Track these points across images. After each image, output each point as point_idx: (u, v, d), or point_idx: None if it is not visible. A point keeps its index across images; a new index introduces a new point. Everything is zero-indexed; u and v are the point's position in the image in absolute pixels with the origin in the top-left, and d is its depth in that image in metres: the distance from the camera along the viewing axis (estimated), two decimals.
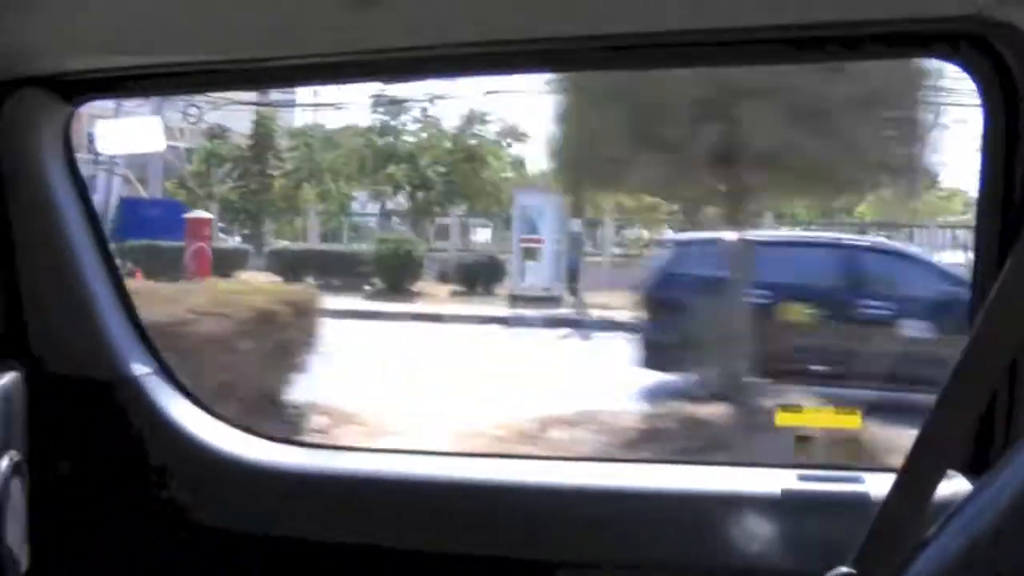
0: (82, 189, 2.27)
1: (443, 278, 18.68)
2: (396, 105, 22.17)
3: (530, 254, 17.74)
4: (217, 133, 23.82)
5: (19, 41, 1.92)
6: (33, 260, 2.19)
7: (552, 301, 16.89)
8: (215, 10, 1.79)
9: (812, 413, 2.09)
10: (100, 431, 2.28)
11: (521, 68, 2.50)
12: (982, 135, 1.93)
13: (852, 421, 2.15)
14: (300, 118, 25.26)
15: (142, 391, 2.29)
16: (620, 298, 17.96)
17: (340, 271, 18.49)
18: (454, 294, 17.78)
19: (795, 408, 2.06)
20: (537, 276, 17.59)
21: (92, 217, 2.29)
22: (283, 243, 21.29)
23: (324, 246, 20.92)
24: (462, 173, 21.43)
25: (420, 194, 21.96)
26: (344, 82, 3.39)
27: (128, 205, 21.51)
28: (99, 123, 2.50)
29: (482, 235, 23.35)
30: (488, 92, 19.75)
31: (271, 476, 2.28)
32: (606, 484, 2.21)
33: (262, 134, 22.98)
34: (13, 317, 2.17)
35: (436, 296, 17.60)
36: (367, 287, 18.02)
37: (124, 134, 2.70)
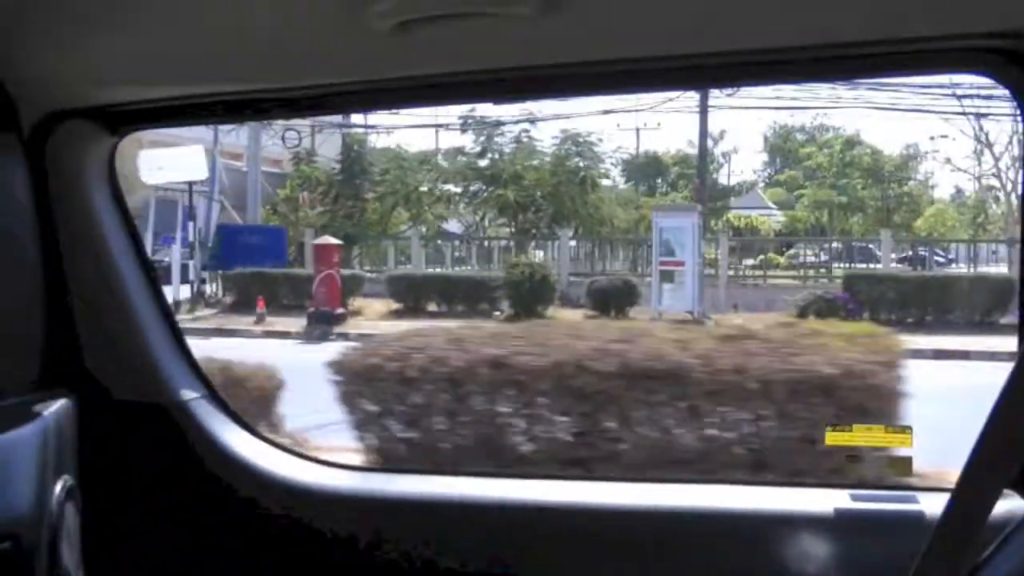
0: (127, 217, 2.32)
1: (564, 301, 18.27)
2: (491, 127, 21.86)
3: (667, 276, 17.41)
4: (303, 157, 23.45)
5: (64, 74, 1.99)
6: (81, 287, 2.24)
7: (696, 324, 16.54)
8: (255, 40, 1.84)
9: (862, 432, 2.00)
10: (152, 455, 2.34)
11: (552, 93, 2.61)
12: (1021, 147, 1.86)
13: (904, 440, 2.05)
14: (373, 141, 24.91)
15: (193, 415, 2.34)
16: (754, 320, 17.71)
17: (465, 297, 18.07)
18: (588, 318, 17.35)
19: (845, 427, 1.95)
20: (674, 299, 17.25)
21: (137, 244, 2.34)
22: (400, 269, 20.78)
23: (445, 271, 20.47)
24: (568, 195, 21.08)
25: (521, 216, 21.60)
26: (382, 108, 3.41)
27: (227, 232, 21.05)
28: (142, 153, 2.51)
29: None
30: (605, 111, 19.50)
31: (321, 498, 2.31)
32: (660, 504, 2.21)
33: (353, 157, 22.61)
34: (64, 344, 2.20)
35: (569, 321, 17.18)
36: (496, 313, 17.59)
37: (168, 163, 2.72)
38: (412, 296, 18.29)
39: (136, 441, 2.31)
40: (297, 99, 2.15)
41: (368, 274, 19.87)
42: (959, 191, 35.79)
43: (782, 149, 41.72)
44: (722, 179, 38.39)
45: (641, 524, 2.18)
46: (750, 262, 25.13)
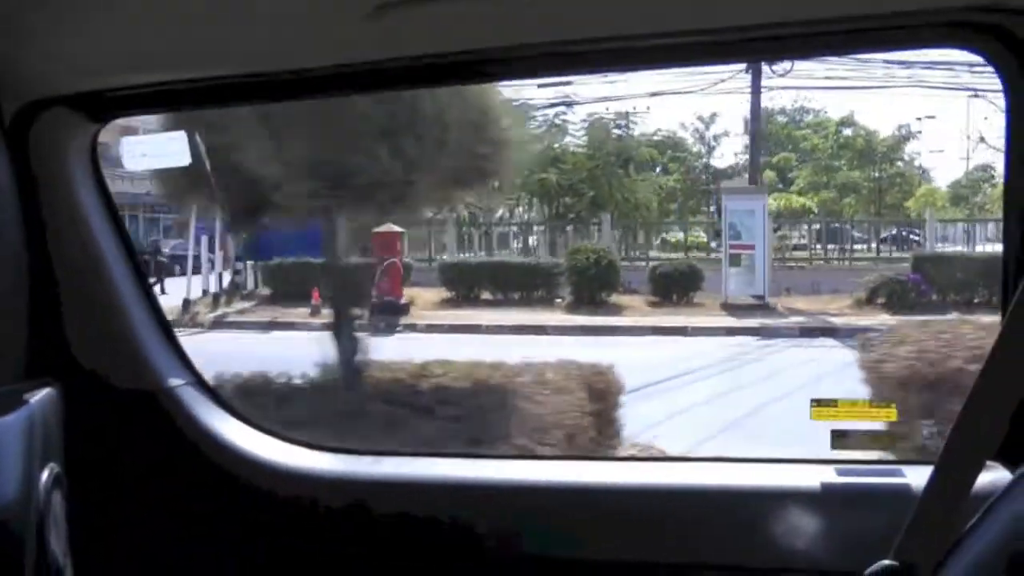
0: (110, 204, 2.31)
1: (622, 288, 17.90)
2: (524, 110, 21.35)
3: (735, 260, 17.17)
4: None
5: (45, 62, 2.00)
6: (66, 275, 2.25)
7: (766, 309, 16.35)
8: (238, 25, 1.84)
9: (847, 407, 1.98)
10: (141, 442, 2.36)
11: (540, 73, 2.56)
12: (1006, 124, 1.91)
13: (888, 415, 2.04)
14: None
15: (180, 402, 2.36)
16: (823, 303, 17.54)
17: (520, 284, 17.60)
18: (652, 304, 17.03)
19: (830, 403, 1.91)
20: (739, 283, 17.04)
21: (121, 231, 2.34)
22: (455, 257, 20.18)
23: (498, 258, 19.92)
24: (607, 178, 20.72)
25: (558, 201, 21.20)
26: (366, 91, 3.57)
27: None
28: (124, 139, 2.52)
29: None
30: (652, 94, 19.15)
31: (309, 481, 2.34)
32: (646, 483, 2.25)
33: None
34: (51, 334, 2.22)
35: (636, 307, 16.85)
36: (558, 300, 17.18)
37: (152, 150, 2.71)
38: (464, 284, 17.78)
39: (124, 429, 2.33)
40: (278, 83, 2.13)
41: (415, 262, 19.28)
42: (924, 171, 36.12)
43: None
44: (712, 162, 38.59)
45: (628, 501, 2.20)
46: None
